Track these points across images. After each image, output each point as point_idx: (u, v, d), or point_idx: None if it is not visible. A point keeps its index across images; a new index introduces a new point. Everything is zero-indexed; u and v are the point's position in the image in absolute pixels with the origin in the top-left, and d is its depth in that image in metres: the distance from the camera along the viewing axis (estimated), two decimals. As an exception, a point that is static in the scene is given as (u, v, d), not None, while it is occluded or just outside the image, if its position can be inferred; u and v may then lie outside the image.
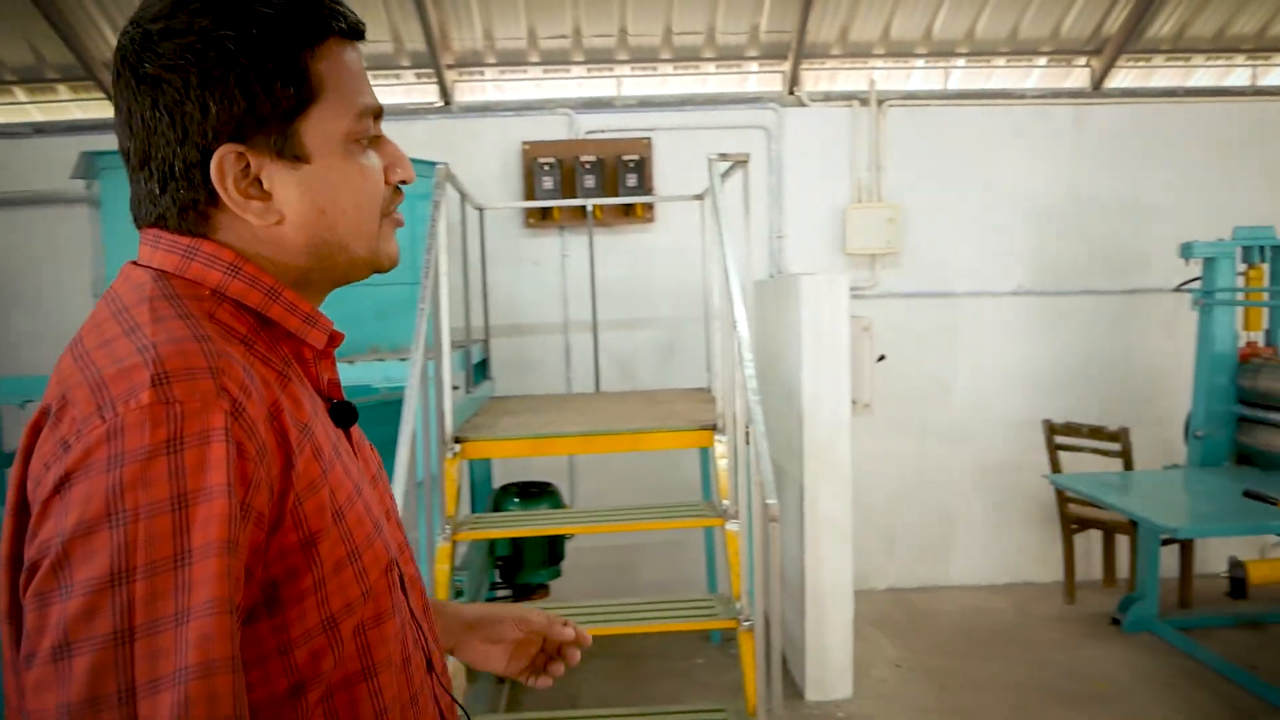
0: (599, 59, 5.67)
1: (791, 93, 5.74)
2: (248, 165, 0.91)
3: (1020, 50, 5.75)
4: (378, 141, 0.99)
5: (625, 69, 5.73)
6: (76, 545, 0.74)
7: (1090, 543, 5.79)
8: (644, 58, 5.68)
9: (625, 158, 5.56)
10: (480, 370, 5.17)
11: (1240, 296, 5.05)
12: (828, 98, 5.76)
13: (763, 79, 5.84)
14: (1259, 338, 5.12)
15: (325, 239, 0.96)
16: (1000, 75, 5.88)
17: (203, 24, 0.87)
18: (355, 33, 0.96)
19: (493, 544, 4.55)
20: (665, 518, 3.62)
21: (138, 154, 0.92)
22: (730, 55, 5.70)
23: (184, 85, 0.87)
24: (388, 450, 2.66)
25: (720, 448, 3.61)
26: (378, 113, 0.98)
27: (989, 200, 5.77)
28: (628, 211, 5.65)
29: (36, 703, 0.74)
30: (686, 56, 5.68)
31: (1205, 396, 5.02)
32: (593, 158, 5.50)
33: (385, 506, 1.05)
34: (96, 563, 0.74)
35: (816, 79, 5.85)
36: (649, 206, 5.69)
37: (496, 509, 4.57)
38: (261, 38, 0.88)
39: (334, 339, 1.02)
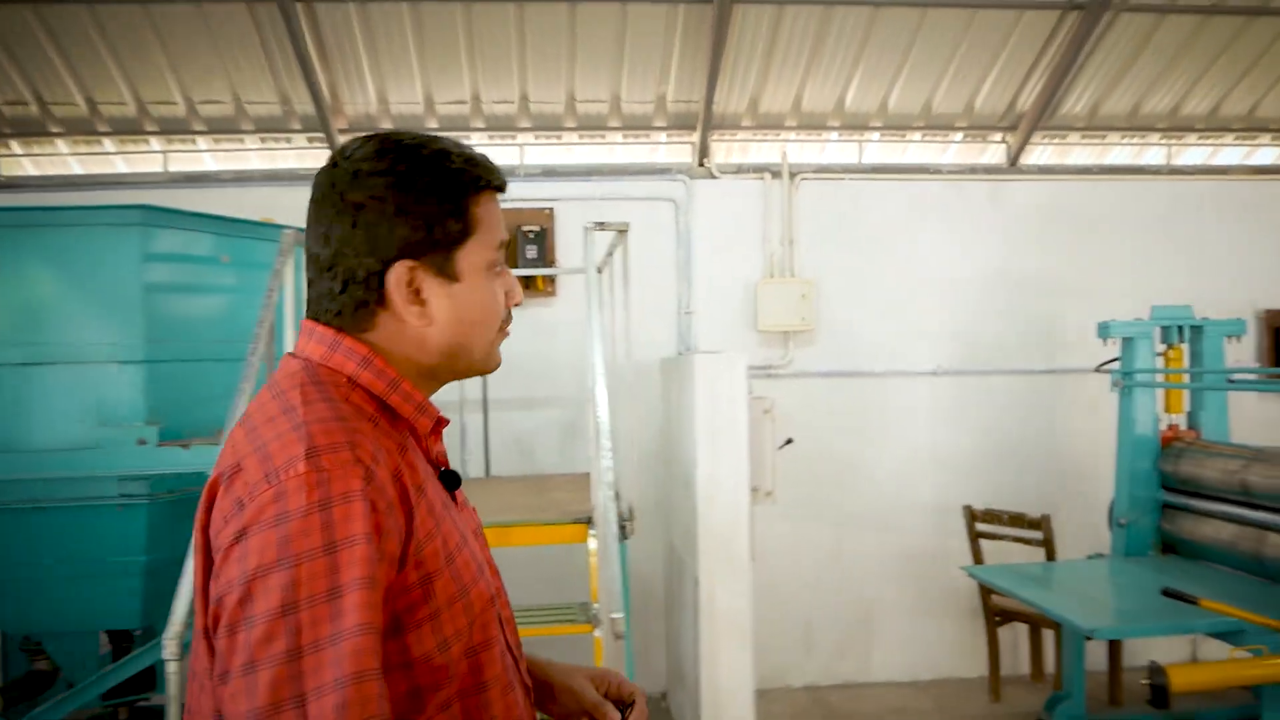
0: (500, 125, 5.44)
1: (701, 164, 5.55)
2: (414, 278, 1.15)
3: (935, 125, 5.63)
4: (503, 270, 1.25)
5: (528, 136, 5.51)
6: (256, 584, 0.98)
7: (1017, 634, 5.50)
8: (547, 125, 5.46)
9: (526, 228, 5.30)
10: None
11: (1159, 378, 4.86)
12: (739, 170, 5.57)
13: (672, 149, 5.65)
14: (1181, 420, 4.92)
15: (460, 343, 1.20)
16: (916, 150, 5.75)
17: (400, 169, 1.14)
18: (501, 188, 1.24)
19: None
20: (532, 623, 3.26)
21: (327, 260, 1.15)
22: (637, 125, 5.50)
23: (380, 212, 1.13)
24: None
25: (594, 543, 3.28)
26: (505, 245, 1.24)
27: (906, 276, 5.59)
28: (528, 284, 5.37)
29: (232, 708, 0.97)
30: (591, 125, 5.47)
31: (1127, 482, 4.79)
32: None
33: (485, 556, 1.26)
34: (272, 598, 0.97)
35: (728, 150, 5.66)
36: (550, 279, 5.42)
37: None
38: (441, 184, 1.15)
39: (439, 423, 1.25)
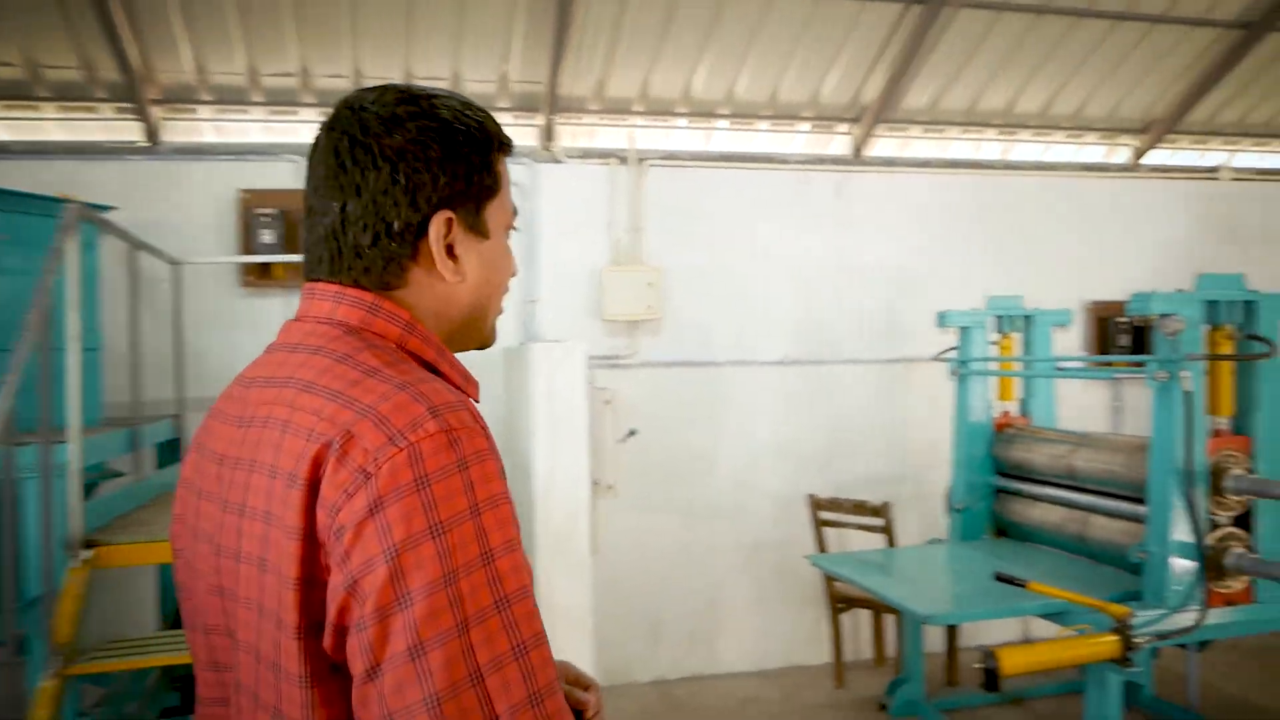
0: (331, 101, 5.12)
1: (547, 148, 5.39)
2: (451, 230, 1.08)
3: (782, 115, 5.63)
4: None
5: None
6: (406, 558, 0.88)
7: (860, 620, 5.57)
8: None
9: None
10: (170, 452, 4.44)
11: (993, 366, 4.99)
12: (585, 155, 5.44)
13: (516, 133, 5.45)
14: (1013, 407, 5.06)
15: (482, 304, 1.15)
16: (764, 139, 5.74)
17: (441, 116, 1.08)
18: (511, 150, 1.16)
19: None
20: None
21: (358, 213, 1.05)
22: (479, 104, 5.29)
23: (424, 160, 1.06)
24: None
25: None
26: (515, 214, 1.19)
27: (753, 266, 5.57)
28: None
29: (399, 702, 0.87)
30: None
31: (963, 468, 4.90)
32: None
33: None
34: (429, 570, 0.88)
35: (574, 134, 5.52)
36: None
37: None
38: (475, 137, 1.09)
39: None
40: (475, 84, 5.18)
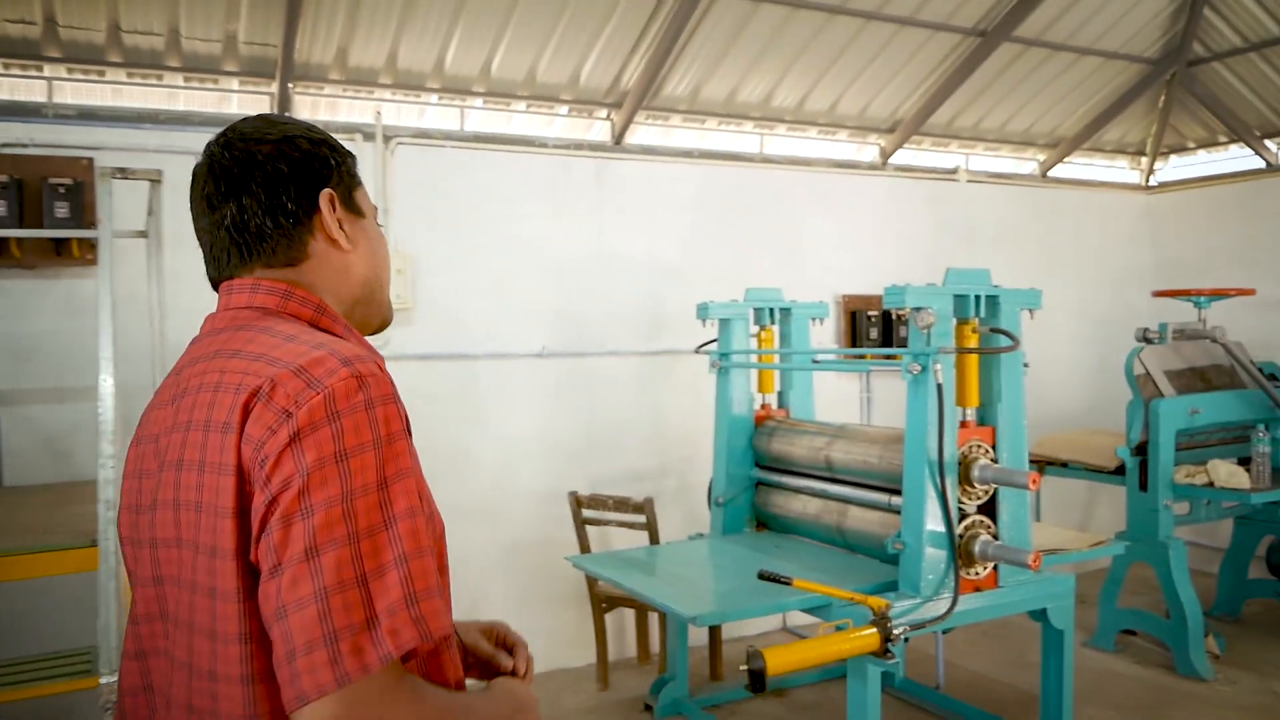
0: (22, 53, 4.40)
1: (283, 119, 4.86)
2: (336, 205, 1.30)
3: (541, 96, 5.38)
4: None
5: (59, 69, 4.52)
6: (314, 476, 1.04)
7: (624, 619, 5.44)
8: (84, 57, 4.50)
9: (54, 181, 4.33)
10: None
11: (753, 359, 4.97)
12: (326, 129, 4.95)
13: (246, 100, 4.91)
14: (773, 400, 5.07)
15: (375, 275, 1.35)
16: (522, 121, 5.47)
17: (298, 128, 1.35)
18: (355, 160, 1.44)
19: None
20: (20, 680, 2.53)
21: (251, 205, 1.25)
22: (202, 67, 4.71)
23: (300, 152, 1.30)
24: None
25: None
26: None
27: (511, 254, 5.29)
28: (60, 250, 4.41)
29: (293, 595, 1.01)
30: (143, 62, 4.60)
31: (724, 461, 4.85)
32: (4, 178, 4.21)
33: None
34: (330, 488, 1.04)
35: (314, 106, 5.04)
36: (90, 245, 4.48)
37: None
38: (330, 141, 1.37)
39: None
40: (197, 43, 4.59)
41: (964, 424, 3.83)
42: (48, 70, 4.52)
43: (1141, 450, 5.27)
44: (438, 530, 1.27)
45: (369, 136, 4.98)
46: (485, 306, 5.24)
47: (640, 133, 5.70)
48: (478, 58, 5.05)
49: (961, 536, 3.70)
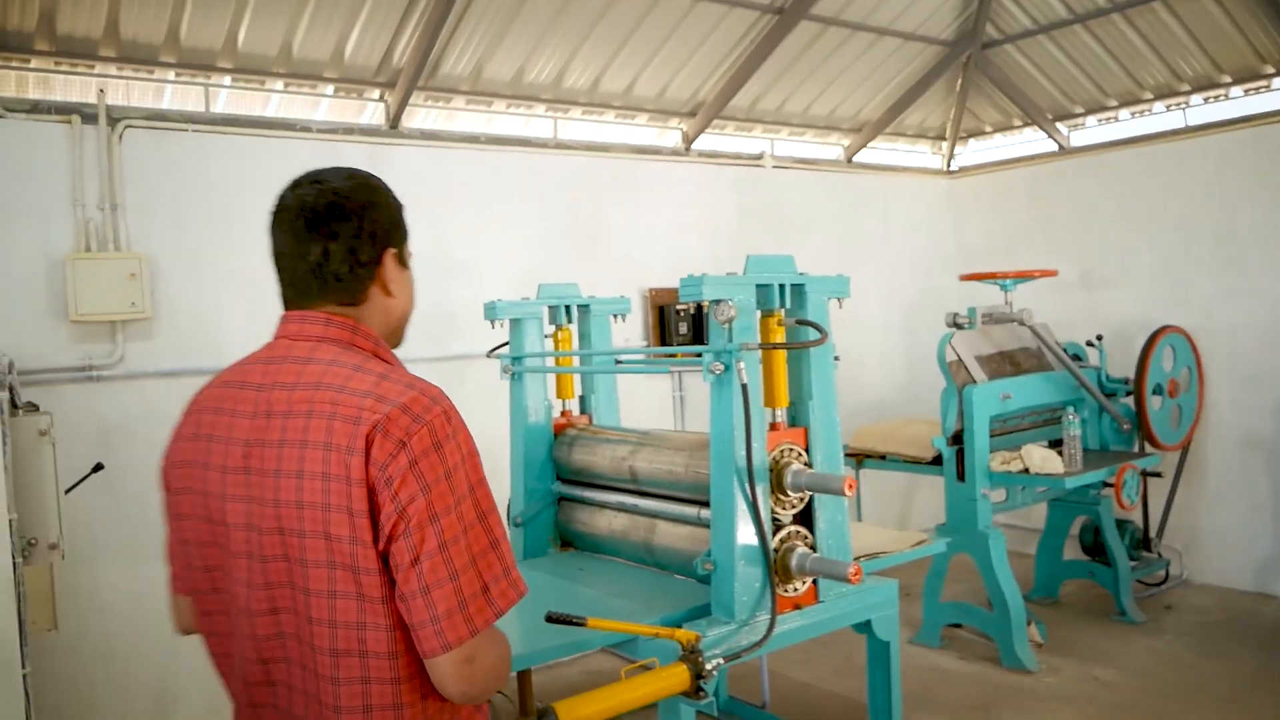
0: None
1: (-25, 98, 4.06)
2: (396, 262, 1.63)
3: (300, 74, 4.74)
4: None
5: None
6: (434, 491, 1.41)
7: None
8: None
9: None
10: None
11: (549, 362, 4.50)
12: (35, 108, 4.18)
13: (-79, 76, 4.08)
14: (575, 406, 4.62)
15: (406, 314, 1.71)
16: (282, 102, 4.82)
17: (379, 184, 1.67)
18: None
19: None
20: None
21: (336, 252, 1.57)
22: None
23: (379, 213, 1.61)
24: None
25: None
26: None
27: (267, 254, 4.63)
28: None
29: (434, 577, 1.40)
30: None
31: (522, 475, 4.36)
32: None
33: None
34: (445, 499, 1.42)
35: (18, 81, 4.24)
36: None
37: None
38: (395, 198, 1.68)
39: None
40: None
41: (774, 426, 3.47)
42: None
43: (957, 439, 5.13)
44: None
45: (89, 118, 4.23)
46: (241, 314, 4.56)
47: (420, 116, 5.15)
48: (218, 28, 4.38)
49: (777, 551, 3.35)
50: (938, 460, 5.24)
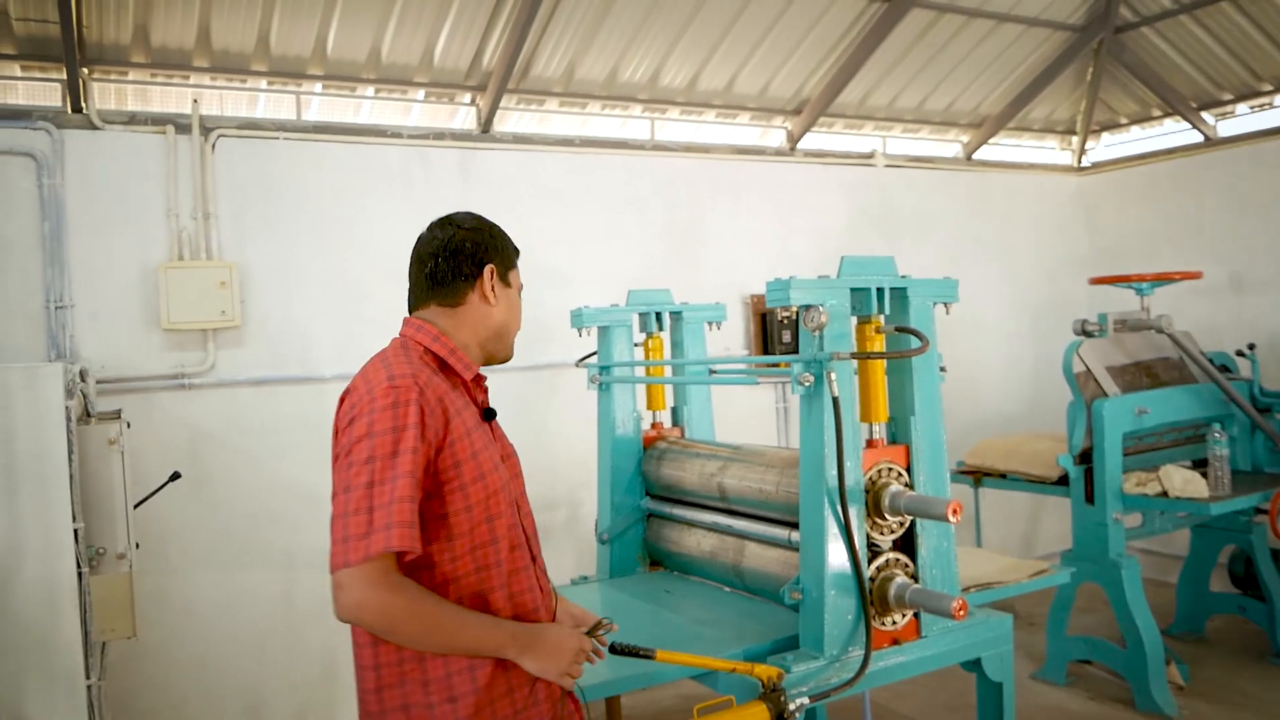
0: None
1: (79, 109, 4.12)
2: (494, 274, 2.00)
3: (391, 79, 4.68)
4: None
5: None
6: (355, 446, 1.74)
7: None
8: None
9: None
10: None
11: (638, 372, 4.30)
12: (132, 119, 4.23)
13: (34, 89, 4.16)
14: (666, 418, 4.40)
15: (506, 326, 2.05)
16: (373, 108, 4.78)
17: (487, 221, 2.09)
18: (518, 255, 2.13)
19: None
20: None
21: (444, 261, 1.99)
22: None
23: (480, 236, 2.02)
24: None
25: None
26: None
27: (361, 259, 4.59)
28: None
29: (341, 503, 1.72)
30: (-105, 46, 3.85)
31: (609, 490, 4.17)
32: None
33: (510, 469, 2.05)
34: (362, 453, 1.72)
35: (117, 94, 4.30)
36: None
37: None
38: (503, 235, 2.08)
39: (479, 377, 2.02)
40: (-46, 19, 3.84)
41: (871, 443, 3.18)
42: None
43: (1086, 457, 4.69)
44: (491, 485, 1.88)
45: (184, 128, 4.26)
46: (332, 320, 4.53)
47: (513, 119, 5.03)
48: (307, 35, 4.35)
49: (873, 580, 3.06)
50: (1064, 480, 4.81)
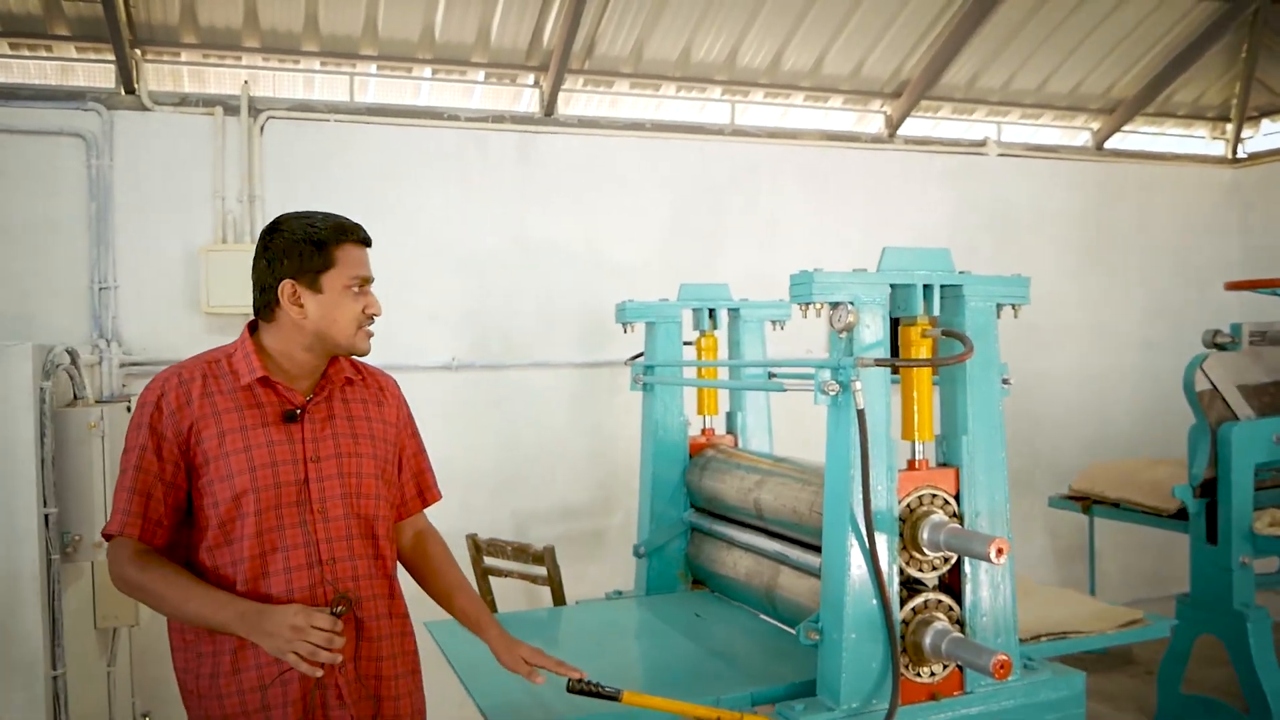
0: None
1: (129, 90, 4.09)
2: (295, 291, 1.97)
3: (447, 59, 4.48)
4: (364, 290, 2.05)
5: None
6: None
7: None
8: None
9: None
10: None
11: (690, 373, 3.96)
12: (183, 101, 4.17)
13: (80, 70, 4.15)
14: (719, 423, 4.04)
15: (324, 330, 1.99)
16: (432, 90, 4.59)
17: (288, 228, 2.00)
18: (364, 240, 2.09)
19: None
20: None
21: (254, 280, 2.01)
22: (27, 31, 3.97)
23: (275, 254, 1.98)
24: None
25: None
26: (365, 280, 2.05)
27: (410, 246, 4.42)
28: None
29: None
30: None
31: (650, 500, 3.84)
32: None
33: (314, 465, 2.02)
34: (127, 443, 1.95)
35: (172, 75, 4.25)
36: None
37: None
38: (312, 240, 1.99)
39: (264, 381, 1.99)
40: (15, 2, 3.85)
41: (912, 464, 2.76)
42: None
43: (1209, 489, 4.07)
44: (238, 484, 1.93)
45: (233, 110, 4.17)
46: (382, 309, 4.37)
47: (580, 101, 4.76)
48: (355, 13, 4.20)
49: (907, 622, 2.63)
50: (1183, 514, 4.19)
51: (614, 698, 2.29)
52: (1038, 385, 5.52)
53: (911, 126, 5.37)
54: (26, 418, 2.63)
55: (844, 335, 2.60)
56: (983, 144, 5.55)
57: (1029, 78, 5.42)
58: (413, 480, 2.34)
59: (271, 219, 2.02)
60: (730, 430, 4.01)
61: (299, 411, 2.00)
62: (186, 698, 1.99)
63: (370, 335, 2.07)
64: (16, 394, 2.62)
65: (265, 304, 1.99)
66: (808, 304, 2.63)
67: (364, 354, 2.10)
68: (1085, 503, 4.70)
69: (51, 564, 2.70)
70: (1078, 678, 2.83)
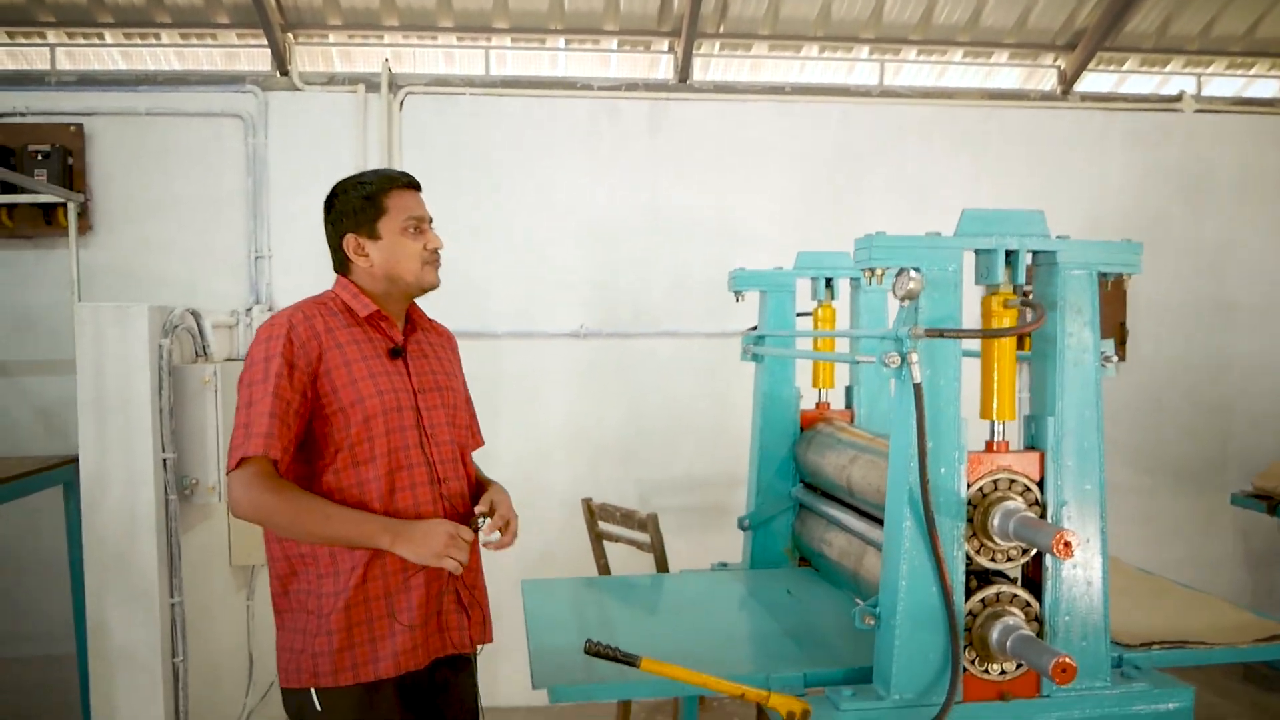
0: (18, 20, 4.25)
1: (284, 72, 4.39)
2: (358, 243, 2.19)
3: (579, 29, 4.51)
4: (421, 229, 2.23)
5: (58, 35, 4.33)
6: (241, 374, 2.06)
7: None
8: (78, 20, 4.28)
9: (34, 148, 4.14)
10: None
11: (802, 344, 3.82)
12: (330, 80, 4.43)
13: (237, 54, 4.49)
14: (837, 397, 3.88)
15: (392, 272, 2.19)
16: (568, 60, 4.64)
17: (341, 188, 2.23)
18: (410, 184, 2.28)
19: None
20: None
21: (329, 244, 2.26)
22: (194, 21, 4.34)
23: (336, 213, 2.23)
24: None
25: None
26: (420, 219, 2.22)
27: (543, 216, 4.51)
28: (49, 219, 4.22)
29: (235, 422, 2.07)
30: (135, 20, 4.30)
31: (758, 473, 3.75)
32: None
33: (423, 396, 2.23)
34: (243, 379, 2.05)
35: (324, 57, 4.53)
36: (84, 213, 4.27)
37: None
38: (359, 193, 2.20)
39: (375, 315, 2.19)
40: (176, -8, 4.22)
41: (990, 446, 2.54)
42: (50, 37, 4.34)
43: None
44: (369, 411, 2.10)
45: (373, 87, 4.39)
46: (511, 278, 4.50)
47: (717, 66, 4.67)
48: (489, -15, 4.30)
49: (974, 614, 2.45)
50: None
51: (632, 663, 2.26)
52: (1231, 371, 4.95)
53: (1089, 82, 4.90)
54: (143, 373, 2.90)
55: (905, 304, 2.42)
56: (1177, 99, 4.99)
57: (1232, 21, 4.81)
58: (471, 421, 2.56)
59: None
60: (849, 405, 3.85)
61: (402, 348, 2.21)
62: (306, 618, 2.10)
63: (437, 267, 2.25)
64: (136, 351, 2.90)
65: (339, 262, 2.22)
66: (871, 270, 2.47)
67: (433, 286, 2.26)
68: (1270, 502, 4.19)
69: (170, 504, 2.98)
70: (1185, 691, 2.53)
